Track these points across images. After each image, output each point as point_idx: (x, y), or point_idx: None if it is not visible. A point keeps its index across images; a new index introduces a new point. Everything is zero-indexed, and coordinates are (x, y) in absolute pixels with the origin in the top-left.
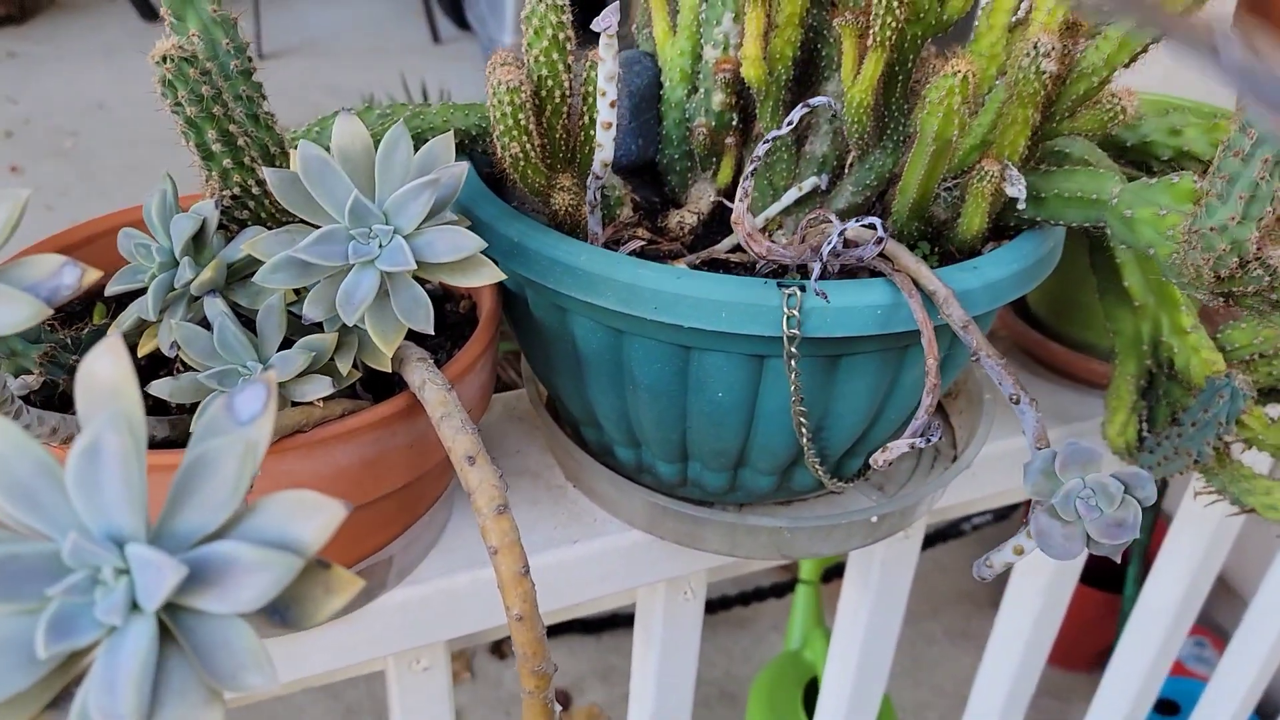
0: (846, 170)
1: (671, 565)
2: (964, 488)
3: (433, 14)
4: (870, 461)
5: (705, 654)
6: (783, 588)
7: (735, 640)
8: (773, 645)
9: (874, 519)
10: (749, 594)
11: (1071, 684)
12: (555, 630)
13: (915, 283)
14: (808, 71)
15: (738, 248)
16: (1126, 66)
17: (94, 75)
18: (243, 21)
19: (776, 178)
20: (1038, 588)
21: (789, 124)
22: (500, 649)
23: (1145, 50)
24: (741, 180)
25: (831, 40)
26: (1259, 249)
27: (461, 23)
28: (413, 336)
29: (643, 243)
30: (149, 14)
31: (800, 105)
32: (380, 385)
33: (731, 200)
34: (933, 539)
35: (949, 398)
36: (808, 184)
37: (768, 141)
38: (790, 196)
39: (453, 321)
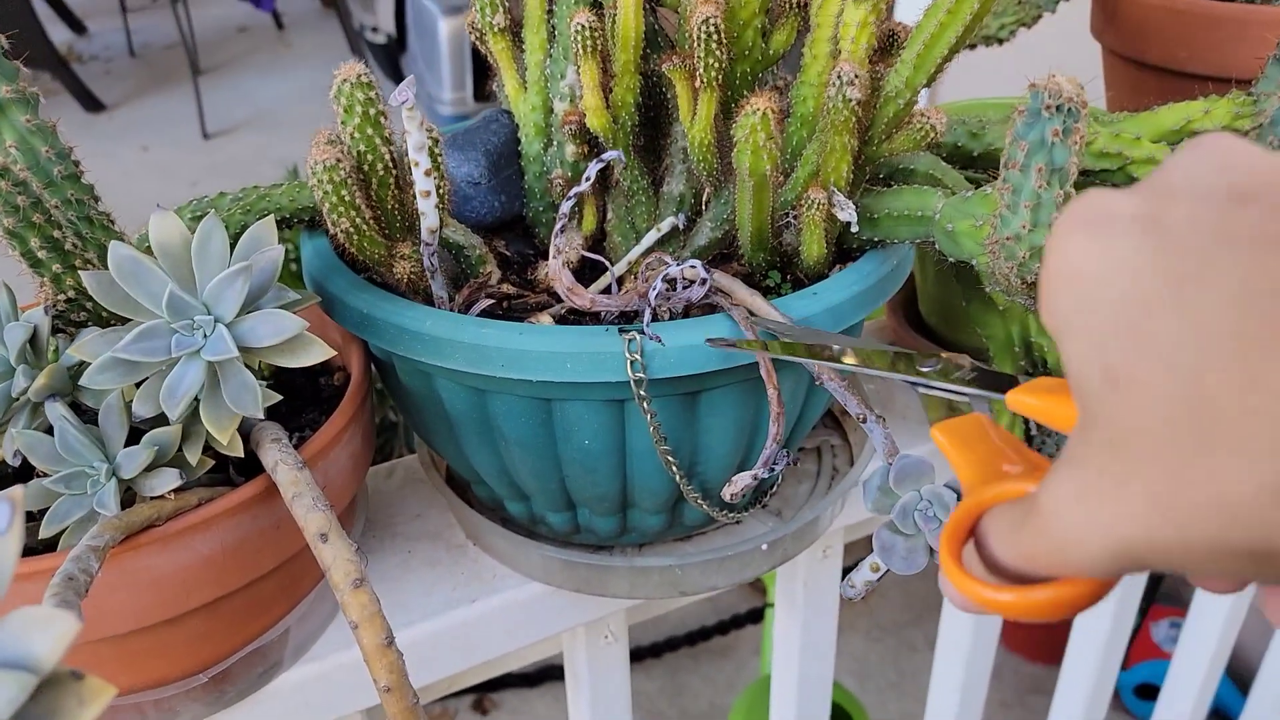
0: (705, 207)
1: (580, 611)
2: None
3: None
4: (721, 495)
5: (690, 685)
6: (758, 613)
7: (718, 669)
8: (755, 671)
9: (764, 546)
10: (727, 622)
11: (1054, 678)
12: (537, 679)
13: (753, 314)
14: (659, 114)
15: (603, 292)
16: (927, 86)
17: None
18: (185, 103)
19: (638, 220)
20: None
21: (586, 179)
22: (482, 705)
23: (941, 69)
24: (552, 237)
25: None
26: None
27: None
28: (279, 413)
29: (495, 300)
30: (93, 105)
31: (594, 160)
32: (257, 465)
33: (597, 248)
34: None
35: (845, 415)
36: (666, 224)
37: (571, 199)
38: (650, 238)
39: (327, 395)
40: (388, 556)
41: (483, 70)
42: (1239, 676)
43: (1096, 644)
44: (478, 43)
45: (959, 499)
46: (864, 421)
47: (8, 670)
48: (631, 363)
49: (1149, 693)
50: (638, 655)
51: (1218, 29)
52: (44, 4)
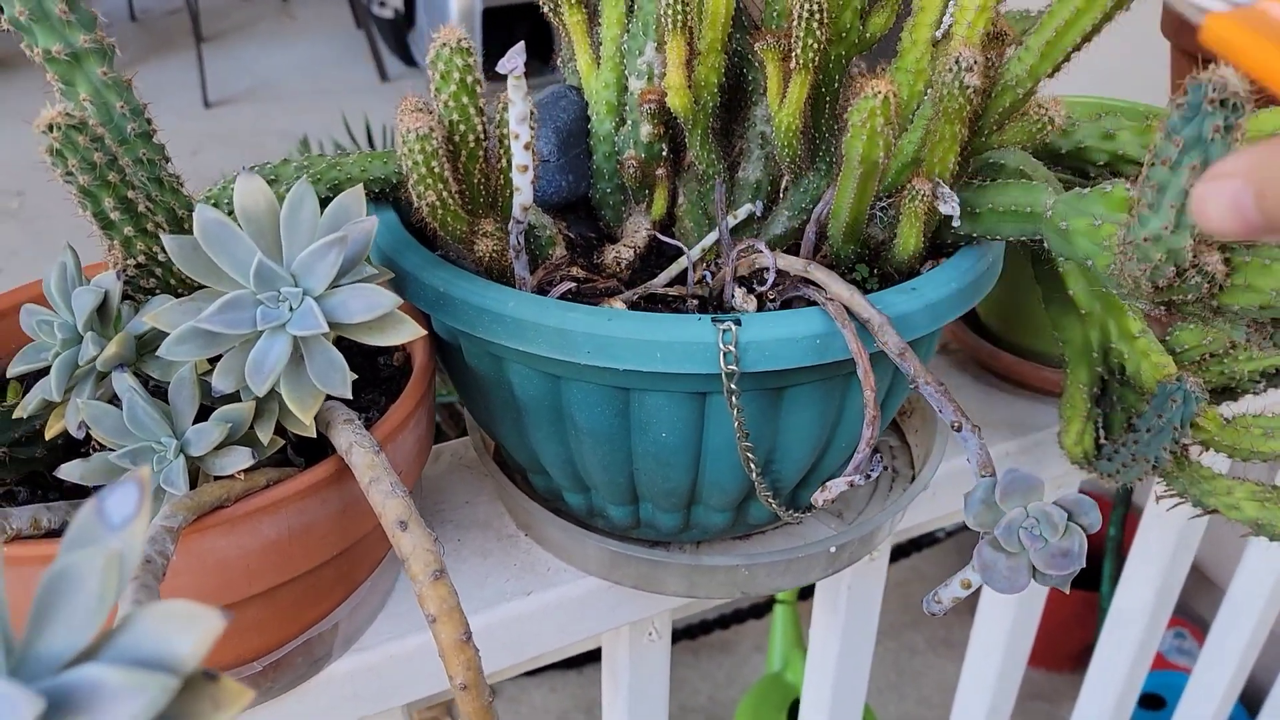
0: (781, 195)
1: (631, 609)
2: (926, 507)
3: (379, 53)
4: (811, 501)
5: (689, 680)
6: (762, 608)
7: (718, 665)
8: (756, 667)
9: (832, 549)
10: (729, 617)
11: (1057, 685)
12: (537, 668)
13: (849, 311)
14: (736, 96)
15: (675, 280)
16: (1050, 76)
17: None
18: (187, 71)
19: (711, 206)
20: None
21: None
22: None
23: (1068, 59)
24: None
25: (757, 64)
26: (1195, 256)
27: (408, 59)
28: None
29: (574, 284)
30: None
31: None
32: (314, 446)
33: (667, 233)
34: (909, 548)
35: (903, 415)
36: (742, 211)
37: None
38: (725, 224)
39: (386, 375)
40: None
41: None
42: (1247, 698)
43: (1125, 653)
44: (551, 15)
45: (1069, 519)
46: (958, 430)
47: (148, 671)
48: (725, 354)
49: (1152, 702)
50: None
51: None
52: None
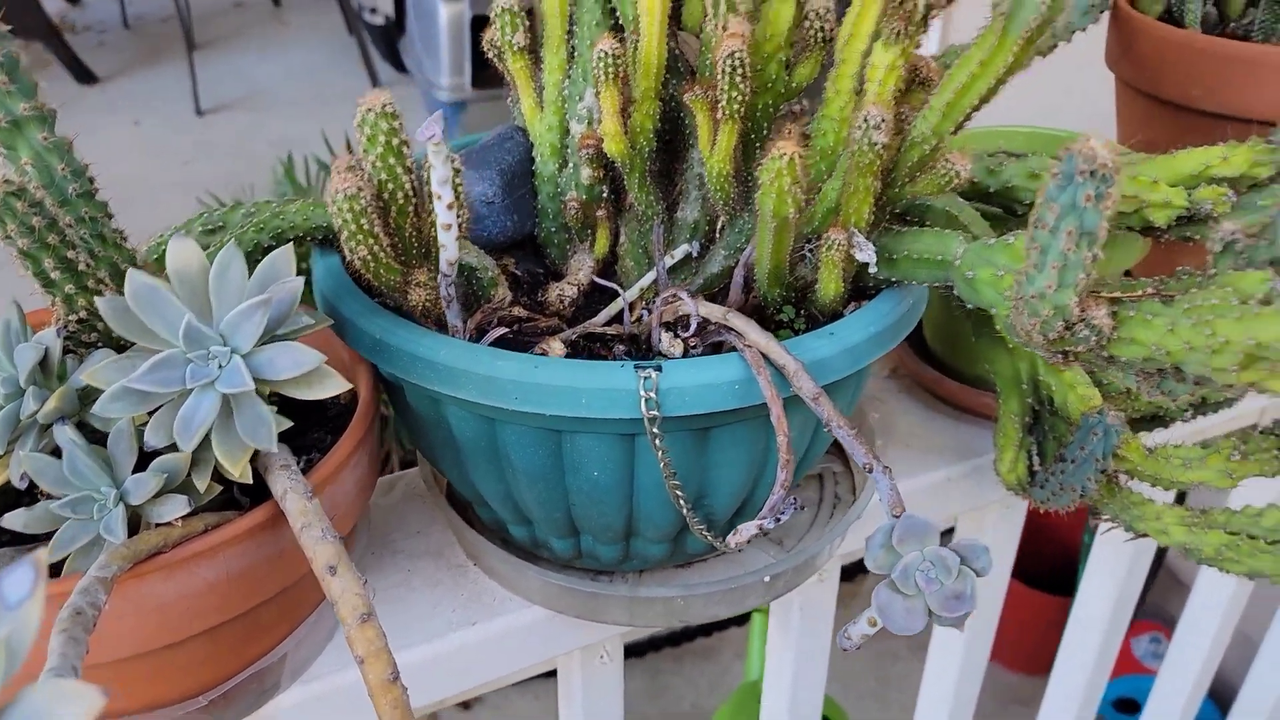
0: (718, 234)
1: (579, 635)
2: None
3: (370, 60)
4: (726, 544)
5: (673, 687)
6: (744, 615)
7: (701, 671)
8: (739, 674)
9: (766, 578)
10: (711, 624)
11: (1035, 689)
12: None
13: (765, 357)
14: (675, 139)
15: (614, 319)
16: (954, 133)
17: None
18: (179, 78)
19: (651, 245)
20: None
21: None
22: (465, 701)
23: (969, 117)
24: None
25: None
26: (1082, 311)
27: (399, 66)
28: (285, 434)
29: (509, 329)
30: (85, 77)
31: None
32: (262, 486)
33: (609, 270)
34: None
35: None
36: (679, 251)
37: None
38: (664, 265)
39: (334, 414)
40: (389, 574)
41: (481, 57)
42: (1219, 696)
43: (1086, 657)
44: (495, 60)
45: (962, 563)
46: (869, 471)
47: None
48: (646, 400)
49: (1128, 707)
50: None
51: (1234, 69)
52: None
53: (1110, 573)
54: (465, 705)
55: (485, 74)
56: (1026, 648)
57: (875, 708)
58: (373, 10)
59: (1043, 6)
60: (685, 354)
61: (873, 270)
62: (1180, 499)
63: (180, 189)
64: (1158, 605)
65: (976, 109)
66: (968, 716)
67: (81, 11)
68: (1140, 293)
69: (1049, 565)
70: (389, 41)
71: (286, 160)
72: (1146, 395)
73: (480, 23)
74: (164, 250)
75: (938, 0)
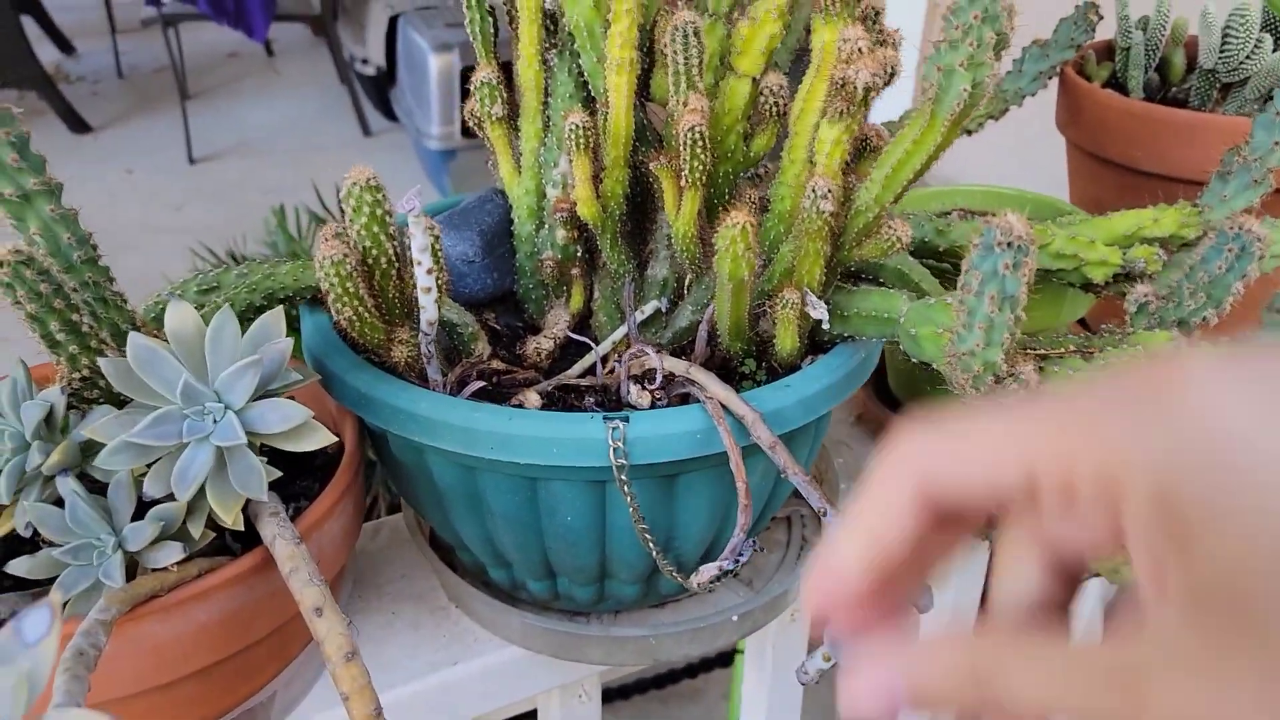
0: (686, 291)
1: (557, 674)
2: None
3: (361, 108)
4: (686, 585)
5: None
6: (728, 656)
7: (686, 712)
8: (723, 716)
9: (734, 618)
10: (696, 665)
11: None
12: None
13: (726, 408)
14: (646, 200)
15: (588, 371)
16: (894, 203)
17: None
18: (172, 127)
19: (623, 300)
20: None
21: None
22: None
23: (907, 189)
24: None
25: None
26: (1011, 366)
27: (390, 115)
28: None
29: (487, 382)
30: (79, 127)
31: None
32: (252, 531)
33: (584, 324)
34: None
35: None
36: (649, 307)
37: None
38: (634, 320)
39: (320, 463)
40: (373, 616)
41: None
42: None
43: None
44: (476, 129)
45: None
46: (823, 515)
47: None
48: (614, 449)
49: None
50: (606, 696)
51: (1170, 133)
52: (33, 23)
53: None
54: None
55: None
56: None
57: None
58: (364, 61)
59: (964, 94)
60: (653, 405)
61: (826, 326)
62: None
63: (172, 235)
64: None
65: (912, 181)
66: None
67: (76, 62)
68: (1064, 350)
69: None
70: (380, 91)
71: (278, 210)
72: None
73: (470, 73)
74: (161, 309)
75: (875, 84)
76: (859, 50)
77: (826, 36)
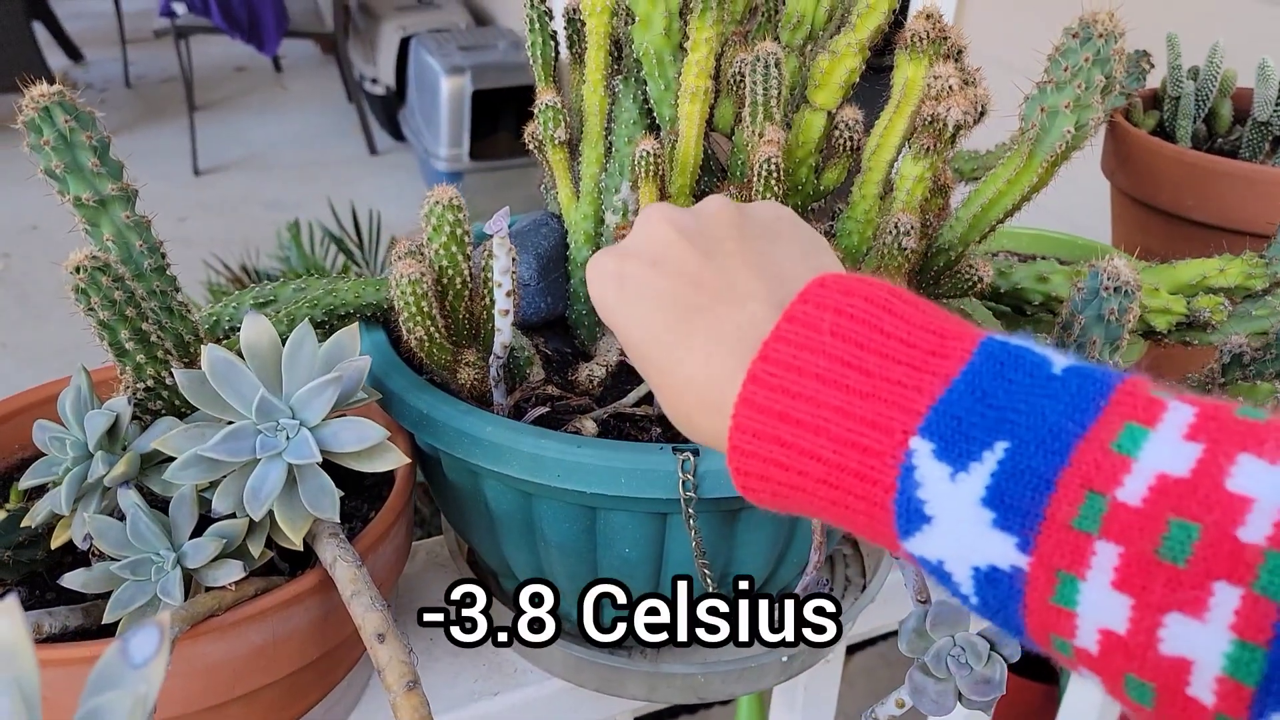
0: None
1: (594, 710)
2: (877, 612)
3: (369, 127)
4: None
5: None
6: None
7: None
8: None
9: (784, 659)
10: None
11: None
12: None
13: None
14: None
15: (643, 400)
16: (978, 243)
17: (28, 196)
18: (179, 138)
19: None
20: None
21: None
22: None
23: (993, 229)
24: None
25: None
26: None
27: (397, 135)
28: None
29: (546, 409)
30: None
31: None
32: (299, 551)
33: None
34: (864, 644)
35: None
36: None
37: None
38: None
39: (370, 483)
40: (413, 642)
41: (479, 130)
42: None
43: None
44: (536, 151)
45: (991, 649)
46: (896, 557)
47: None
48: (684, 482)
49: None
50: None
51: (1226, 183)
52: (43, 30)
53: None
54: None
55: (481, 146)
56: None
57: None
58: (374, 80)
59: (1067, 136)
60: None
61: None
62: None
63: (175, 246)
64: None
65: (1001, 222)
66: None
67: (84, 69)
68: None
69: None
70: (389, 111)
71: (293, 225)
72: None
73: (480, 97)
74: (215, 321)
75: (965, 122)
76: (949, 88)
77: (910, 73)
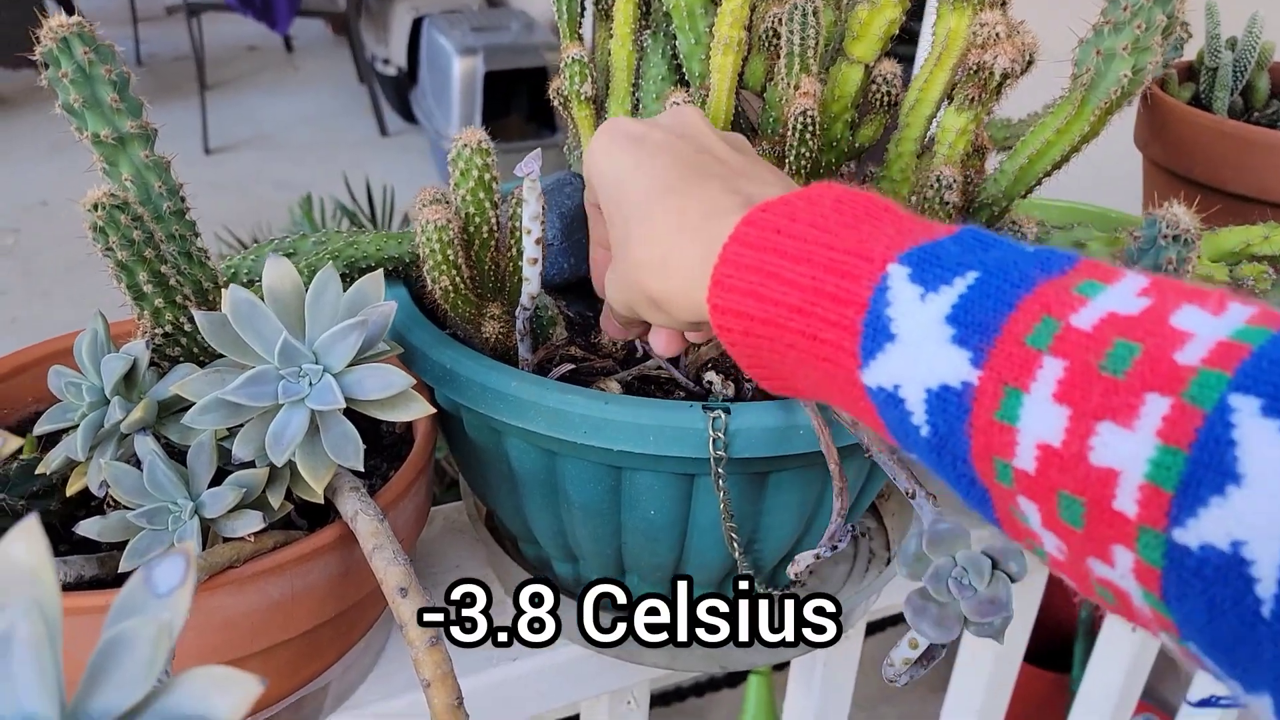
0: None
1: (611, 678)
2: (901, 587)
3: (380, 108)
4: (787, 573)
5: None
6: (737, 678)
7: None
8: None
9: None
10: (703, 684)
11: None
12: None
13: None
14: None
15: (673, 360)
16: (1024, 197)
17: (37, 173)
18: (189, 116)
19: None
20: (983, 668)
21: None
22: None
23: (1040, 183)
24: None
25: None
26: None
27: (408, 116)
28: None
29: (572, 366)
30: None
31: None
32: (315, 508)
33: None
34: (883, 624)
35: (881, 499)
36: None
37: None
38: None
39: (389, 441)
40: None
41: (491, 111)
42: None
43: None
44: (560, 107)
45: (994, 566)
46: (913, 498)
47: None
48: (714, 440)
49: None
50: None
51: (1267, 155)
52: (55, 5)
53: (1120, 651)
54: None
55: (493, 128)
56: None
57: None
58: (385, 61)
59: (1124, 79)
60: (738, 395)
61: None
62: None
63: None
64: (1152, 686)
65: (1048, 174)
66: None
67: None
68: None
69: (1044, 640)
70: (400, 92)
71: (305, 200)
72: None
73: (492, 78)
74: (234, 273)
75: (1013, 70)
76: (996, 35)
77: (954, 23)
